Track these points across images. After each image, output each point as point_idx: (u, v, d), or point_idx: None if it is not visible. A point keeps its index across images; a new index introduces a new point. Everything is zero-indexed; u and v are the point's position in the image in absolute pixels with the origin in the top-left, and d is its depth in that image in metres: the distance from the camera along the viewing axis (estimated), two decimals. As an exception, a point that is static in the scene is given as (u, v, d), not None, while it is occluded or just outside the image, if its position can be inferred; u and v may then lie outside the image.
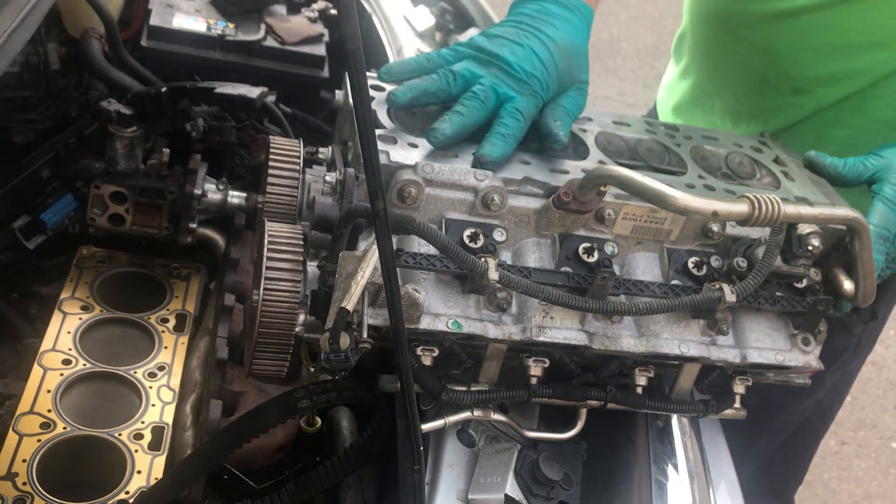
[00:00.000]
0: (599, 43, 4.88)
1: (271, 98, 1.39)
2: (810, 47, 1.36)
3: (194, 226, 1.38)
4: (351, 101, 1.06)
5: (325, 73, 1.55)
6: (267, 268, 0.91)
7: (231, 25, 1.53)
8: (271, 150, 1.08)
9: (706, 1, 1.51)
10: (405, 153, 0.99)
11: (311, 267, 0.98)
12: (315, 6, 1.67)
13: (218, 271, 1.42)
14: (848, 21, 1.32)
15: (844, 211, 0.97)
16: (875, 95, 1.37)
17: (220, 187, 1.37)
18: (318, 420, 1.20)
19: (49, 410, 1.12)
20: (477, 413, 1.02)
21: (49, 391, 1.14)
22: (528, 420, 1.10)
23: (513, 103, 1.06)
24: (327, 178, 0.97)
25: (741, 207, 0.90)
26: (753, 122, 1.48)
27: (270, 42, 1.53)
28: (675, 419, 1.19)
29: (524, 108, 1.06)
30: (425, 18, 1.73)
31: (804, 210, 0.94)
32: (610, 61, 4.71)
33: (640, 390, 1.06)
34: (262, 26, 1.54)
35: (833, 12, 1.32)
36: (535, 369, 1.02)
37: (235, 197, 1.36)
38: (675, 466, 1.13)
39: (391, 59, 1.62)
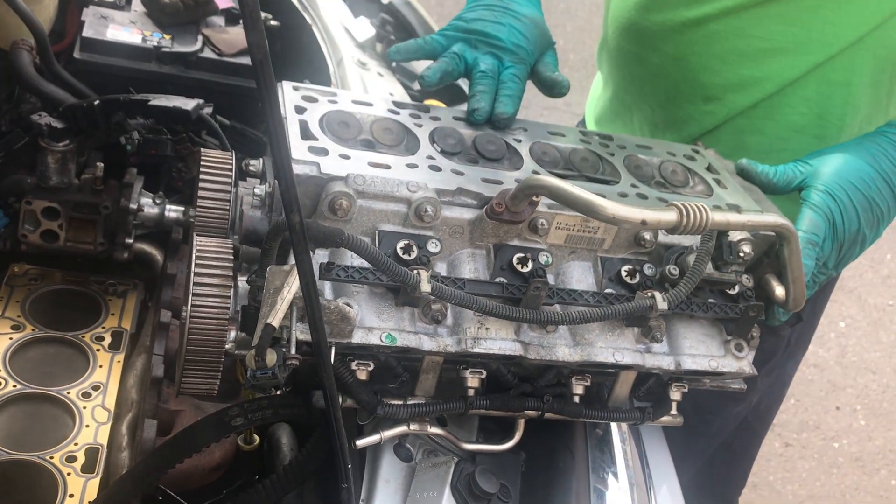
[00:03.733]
0: (547, 53, 4.93)
1: (208, 110, 1.37)
2: (718, 55, 1.40)
3: (131, 241, 1.35)
4: (282, 111, 1.05)
5: (266, 84, 1.54)
6: (195, 283, 0.89)
7: (167, 37, 1.50)
8: (202, 163, 1.06)
9: (618, 13, 1.54)
10: (337, 164, 0.98)
11: (243, 282, 0.97)
12: (254, 17, 1.66)
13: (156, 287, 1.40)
14: (751, 28, 1.36)
15: (772, 218, 0.99)
16: (783, 102, 1.40)
17: (157, 201, 1.34)
18: (256, 438, 1.18)
19: (-25, 435, 1.08)
20: (413, 427, 1.01)
21: (-25, 414, 1.11)
22: (466, 432, 1.10)
23: (511, 70, 1.25)
24: (256, 191, 0.96)
25: (669, 216, 0.90)
26: (669, 132, 1.52)
27: (208, 53, 1.51)
28: (614, 427, 1.20)
29: (520, 74, 1.25)
30: (366, 29, 1.72)
31: (733, 217, 0.95)
32: (557, 72, 4.75)
33: (577, 399, 1.06)
34: (200, 38, 1.52)
35: (737, 20, 1.36)
36: (473, 381, 1.01)
37: (173, 211, 1.34)
38: (615, 474, 1.13)
39: (331, 69, 1.61)
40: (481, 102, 1.19)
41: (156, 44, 1.48)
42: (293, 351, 0.85)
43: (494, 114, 1.18)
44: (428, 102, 1.49)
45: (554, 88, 1.28)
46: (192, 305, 0.89)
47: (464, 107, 1.21)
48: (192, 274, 0.89)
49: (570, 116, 4.33)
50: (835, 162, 1.20)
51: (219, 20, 1.59)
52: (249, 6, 0.48)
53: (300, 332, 0.88)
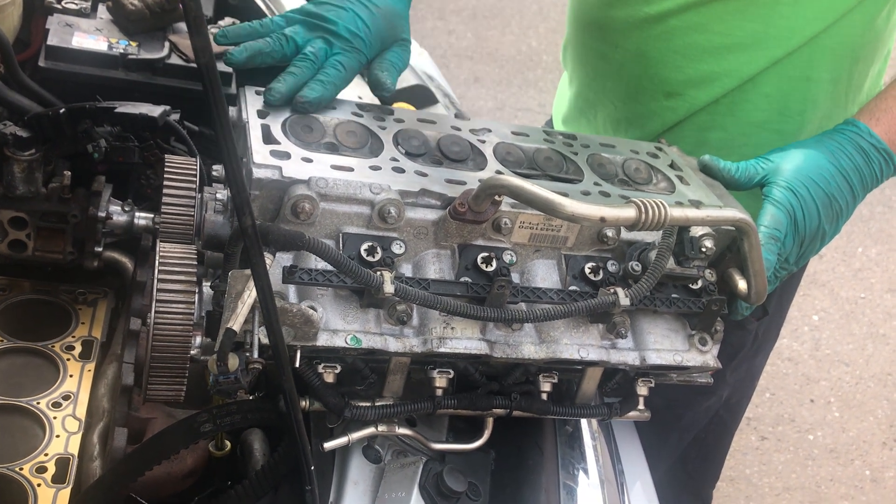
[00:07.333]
0: (520, 55, 4.94)
1: (175, 116, 1.36)
2: (678, 50, 1.41)
3: (100, 249, 1.35)
4: (244, 115, 1.05)
5: (233, 89, 1.54)
6: (159, 290, 0.89)
7: (134, 44, 1.50)
8: (166, 169, 1.06)
9: (581, 10, 1.55)
10: (298, 168, 0.98)
11: (207, 287, 0.97)
12: (221, 23, 1.65)
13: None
14: (711, 23, 1.38)
15: (731, 212, 1.00)
16: (744, 98, 1.42)
17: (126, 209, 1.34)
18: (228, 443, 1.18)
19: (-58, 448, 1.08)
20: (381, 428, 1.02)
21: (-58, 427, 1.10)
22: (436, 432, 1.10)
23: (337, 57, 1.18)
24: (219, 196, 0.96)
25: (628, 212, 0.91)
26: (632, 128, 1.53)
27: (175, 60, 1.50)
28: (584, 424, 1.21)
29: (346, 62, 1.18)
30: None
31: (691, 213, 0.96)
32: (530, 73, 4.74)
33: (545, 396, 1.07)
34: (166, 44, 1.52)
35: (696, 15, 1.38)
36: (440, 381, 1.02)
37: (142, 218, 1.33)
38: (586, 471, 1.14)
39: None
40: (279, 83, 1.12)
41: (122, 51, 1.47)
42: (256, 355, 0.85)
43: (296, 96, 1.11)
44: (396, 105, 1.49)
45: (376, 89, 1.22)
46: (157, 312, 0.89)
47: (433, 109, 1.21)
48: (156, 280, 0.90)
49: (543, 117, 4.34)
50: (796, 158, 1.22)
51: (185, 26, 1.58)
52: (193, 11, 0.48)
53: (263, 336, 0.88)
